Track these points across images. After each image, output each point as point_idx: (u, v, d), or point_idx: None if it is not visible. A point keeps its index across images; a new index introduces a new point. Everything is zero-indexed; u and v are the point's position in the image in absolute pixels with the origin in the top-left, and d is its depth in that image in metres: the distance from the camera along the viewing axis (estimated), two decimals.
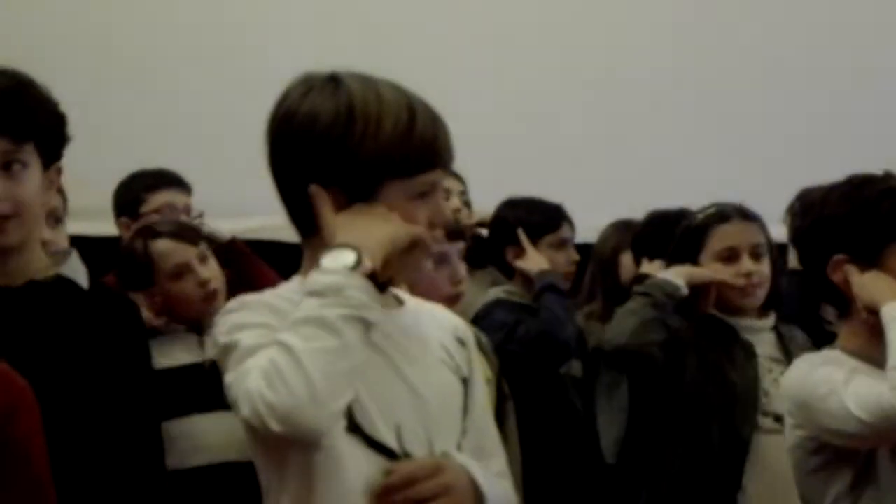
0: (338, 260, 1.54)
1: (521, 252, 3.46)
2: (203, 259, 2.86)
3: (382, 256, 1.57)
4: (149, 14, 4.44)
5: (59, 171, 1.98)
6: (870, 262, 2.07)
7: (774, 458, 2.64)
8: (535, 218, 3.50)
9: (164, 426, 2.22)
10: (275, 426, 1.48)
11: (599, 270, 3.71)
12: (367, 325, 1.53)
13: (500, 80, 4.44)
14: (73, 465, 1.84)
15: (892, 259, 2.06)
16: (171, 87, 4.31)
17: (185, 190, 3.44)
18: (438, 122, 1.66)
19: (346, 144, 1.60)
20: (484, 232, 3.66)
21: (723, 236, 2.92)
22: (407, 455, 1.64)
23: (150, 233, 2.88)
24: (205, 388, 2.71)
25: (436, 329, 1.78)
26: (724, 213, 2.95)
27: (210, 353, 2.83)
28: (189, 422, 2.70)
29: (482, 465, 1.72)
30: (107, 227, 3.51)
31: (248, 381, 1.52)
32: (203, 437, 2.73)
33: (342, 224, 1.60)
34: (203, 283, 2.82)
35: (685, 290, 2.90)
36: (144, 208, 3.34)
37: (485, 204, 3.70)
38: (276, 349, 1.50)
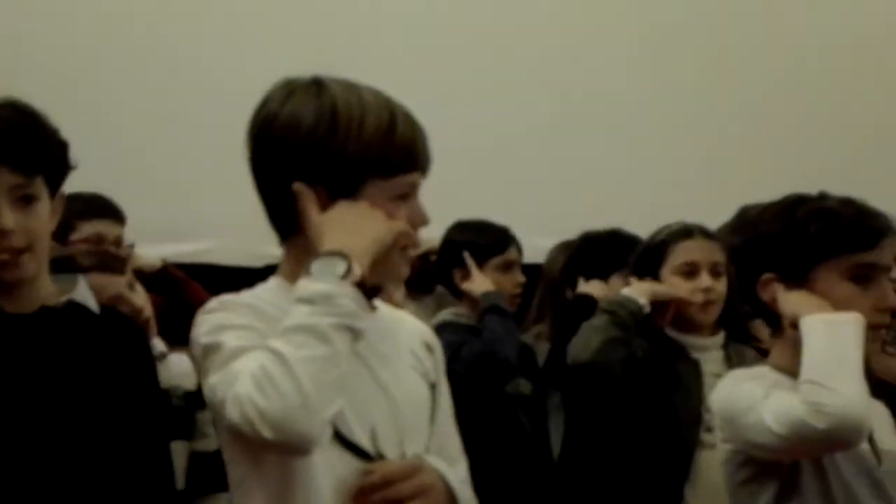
0: (327, 267, 1.56)
1: (467, 274, 3.50)
2: (132, 287, 2.86)
3: (370, 260, 1.59)
4: (91, 29, 4.43)
5: (62, 199, 2.00)
6: (798, 281, 2.09)
7: (714, 471, 2.67)
8: (482, 240, 3.54)
9: None
10: (266, 433, 1.49)
11: (548, 291, 3.75)
12: (355, 334, 1.55)
13: (447, 101, 4.42)
14: (88, 484, 1.86)
15: (819, 280, 2.08)
16: (107, 107, 4.28)
17: (119, 220, 3.38)
18: (417, 127, 1.70)
19: (329, 144, 1.63)
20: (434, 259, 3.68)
21: (684, 251, 3.03)
22: (381, 456, 1.67)
23: (74, 269, 2.76)
24: None
25: (405, 335, 1.82)
26: (687, 230, 3.06)
27: (161, 376, 2.87)
28: None
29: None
30: None
31: (238, 385, 1.52)
32: None
33: (328, 224, 1.61)
34: (138, 312, 2.81)
35: (647, 308, 2.96)
36: (74, 236, 3.25)
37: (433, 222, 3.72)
38: (267, 356, 1.51)
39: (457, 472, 1.79)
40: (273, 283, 1.73)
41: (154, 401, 2.03)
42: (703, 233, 3.04)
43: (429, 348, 1.84)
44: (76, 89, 4.15)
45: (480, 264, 3.52)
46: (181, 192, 4.30)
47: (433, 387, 1.81)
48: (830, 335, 1.99)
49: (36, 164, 1.90)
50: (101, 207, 3.35)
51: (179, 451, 2.90)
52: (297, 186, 1.64)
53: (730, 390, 2.11)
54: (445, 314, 3.42)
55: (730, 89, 5.00)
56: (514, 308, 3.61)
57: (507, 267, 3.58)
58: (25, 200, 1.89)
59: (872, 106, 5.07)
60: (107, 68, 4.37)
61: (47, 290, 1.97)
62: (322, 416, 1.52)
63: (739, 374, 2.17)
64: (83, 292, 2.03)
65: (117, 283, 2.81)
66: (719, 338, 3.02)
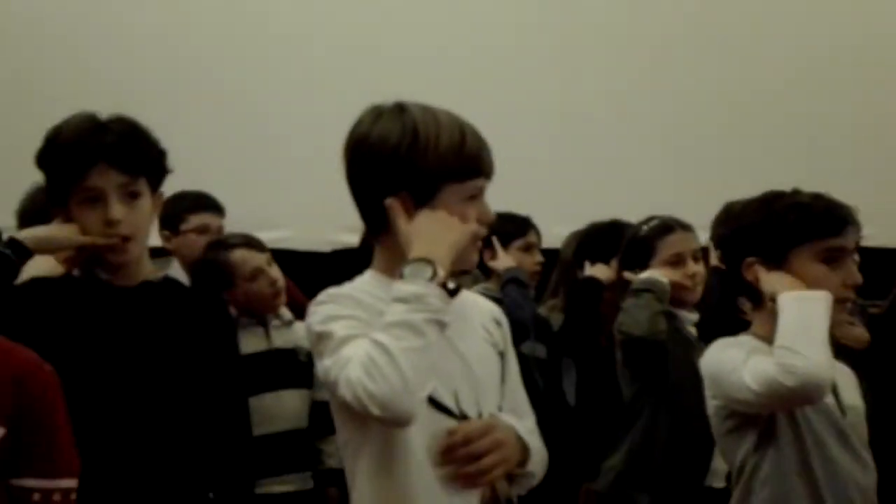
0: (417, 271, 1.79)
1: (494, 254, 3.91)
2: (270, 263, 3.29)
3: (450, 263, 1.84)
4: (187, 34, 4.72)
5: (161, 197, 2.31)
6: (776, 263, 2.30)
7: None
8: (506, 226, 3.92)
9: None
10: (375, 411, 1.73)
11: (562, 271, 4.15)
12: (442, 326, 1.79)
13: (473, 101, 4.62)
14: (179, 431, 2.19)
15: (794, 262, 2.30)
16: (201, 117, 4.64)
17: (220, 213, 3.85)
18: (483, 141, 1.95)
19: (412, 157, 1.88)
20: None
21: (670, 245, 3.31)
22: (464, 415, 1.91)
23: (225, 245, 3.29)
24: (271, 371, 3.22)
25: (477, 312, 2.06)
26: (668, 225, 3.33)
27: (290, 338, 3.34)
28: (258, 399, 3.12)
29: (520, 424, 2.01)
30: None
31: (349, 370, 1.76)
32: (270, 411, 3.20)
33: (415, 233, 1.85)
34: (273, 283, 3.26)
35: (669, 287, 3.23)
36: (184, 226, 3.72)
37: None
38: (373, 347, 1.74)
39: (525, 425, 2.03)
40: (369, 275, 1.98)
41: (230, 360, 2.37)
42: (681, 225, 3.32)
43: (497, 323, 2.08)
44: (181, 103, 4.50)
45: (505, 246, 3.94)
46: (265, 188, 4.68)
47: (502, 355, 2.05)
48: (801, 309, 2.19)
49: (140, 167, 2.24)
50: (206, 203, 3.85)
51: (304, 398, 3.39)
52: (389, 202, 1.87)
53: (716, 354, 2.33)
54: (477, 288, 3.74)
55: (737, 88, 5.20)
56: (534, 284, 4.03)
57: (527, 248, 4.01)
58: (132, 196, 2.23)
59: None
60: (201, 82, 4.71)
61: (148, 268, 2.32)
62: (419, 396, 1.78)
63: (725, 341, 2.37)
64: (176, 271, 2.37)
65: (259, 258, 3.29)
66: (696, 315, 3.32)
